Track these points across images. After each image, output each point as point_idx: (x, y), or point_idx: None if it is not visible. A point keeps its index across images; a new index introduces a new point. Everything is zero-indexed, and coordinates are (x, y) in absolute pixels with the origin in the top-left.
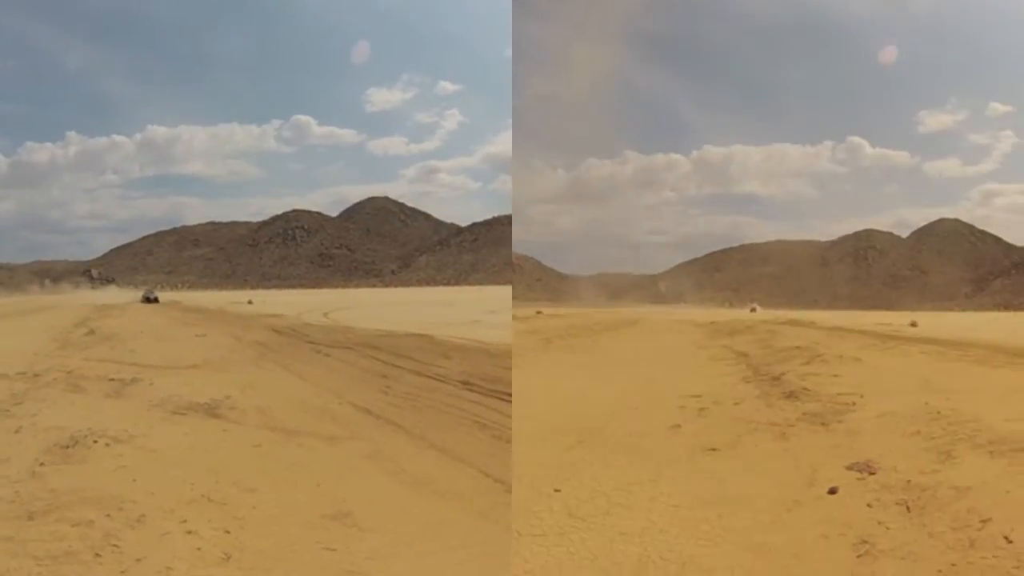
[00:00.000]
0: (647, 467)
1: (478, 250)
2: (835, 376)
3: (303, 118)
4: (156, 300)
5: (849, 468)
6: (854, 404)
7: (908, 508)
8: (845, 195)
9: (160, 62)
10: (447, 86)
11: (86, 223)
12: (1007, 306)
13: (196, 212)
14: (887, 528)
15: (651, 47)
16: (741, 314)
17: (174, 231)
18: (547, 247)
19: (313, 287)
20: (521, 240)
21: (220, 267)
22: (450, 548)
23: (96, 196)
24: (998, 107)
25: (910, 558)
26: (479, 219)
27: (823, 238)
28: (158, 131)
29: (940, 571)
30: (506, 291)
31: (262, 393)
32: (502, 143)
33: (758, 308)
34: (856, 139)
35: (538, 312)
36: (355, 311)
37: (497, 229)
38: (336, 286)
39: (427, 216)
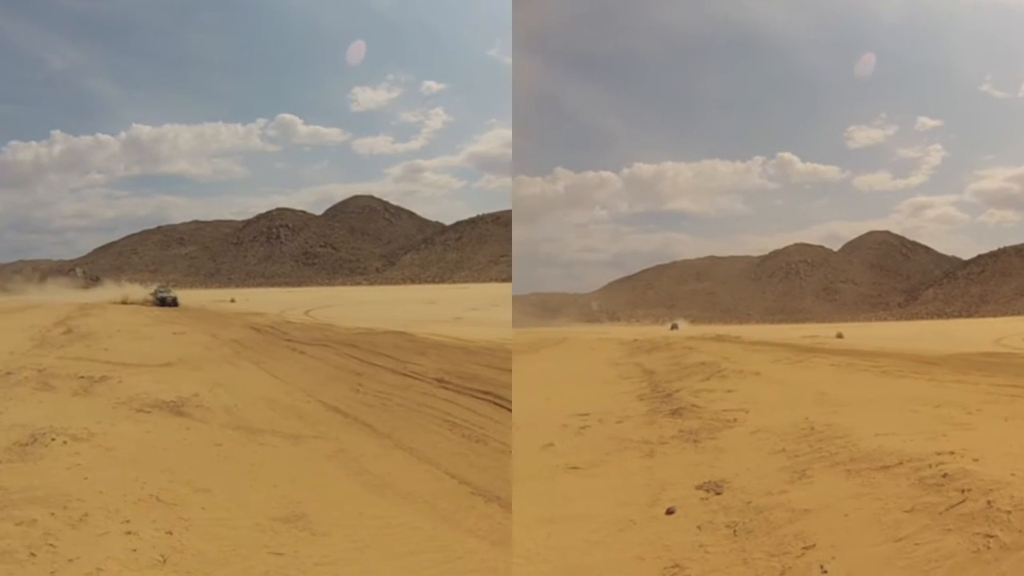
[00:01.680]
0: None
1: (462, 248)
2: (729, 392)
3: (288, 117)
4: (175, 302)
5: (698, 487)
6: (735, 420)
7: (735, 532)
8: (776, 210)
9: (145, 61)
10: (432, 85)
11: (72, 222)
12: (939, 314)
13: (181, 211)
14: (706, 552)
15: (579, 63)
16: (669, 331)
17: (159, 230)
18: None
19: (298, 285)
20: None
21: (205, 265)
22: (404, 554)
23: (81, 195)
24: (927, 121)
25: None
26: (463, 217)
27: (755, 253)
28: (143, 130)
29: None
30: (491, 288)
31: (231, 391)
32: (486, 142)
33: (679, 325)
34: (786, 155)
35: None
36: (337, 309)
37: (481, 227)
38: (321, 284)
39: (411, 214)
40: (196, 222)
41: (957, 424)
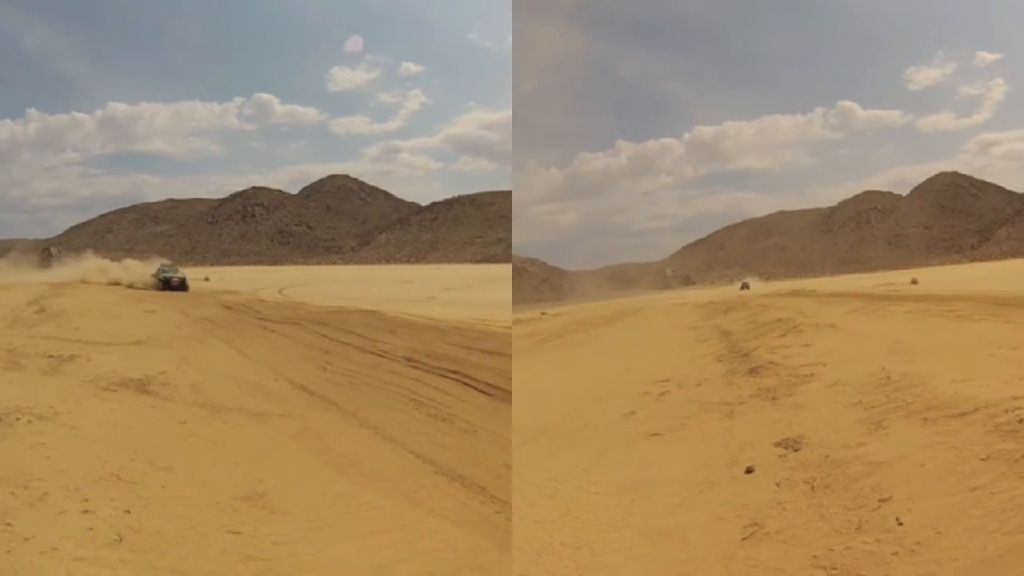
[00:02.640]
0: (586, 456)
1: (438, 229)
2: (805, 346)
3: (265, 96)
4: (183, 285)
5: (777, 445)
6: (812, 375)
7: (813, 487)
8: (841, 160)
9: (121, 39)
10: (410, 67)
11: (47, 201)
12: (1014, 254)
13: (157, 190)
14: (784, 509)
15: (630, 31)
16: (740, 291)
17: (134, 208)
18: (550, 247)
19: (273, 264)
20: (523, 243)
21: (180, 244)
22: (364, 533)
23: (57, 174)
24: (987, 56)
25: (791, 542)
26: (439, 199)
27: (824, 205)
28: (119, 108)
29: (815, 556)
30: (466, 269)
31: (199, 369)
32: (464, 124)
33: (750, 284)
34: (847, 103)
35: (543, 314)
36: (311, 288)
37: (457, 208)
38: (296, 263)
39: (387, 195)
40: (171, 201)
41: None
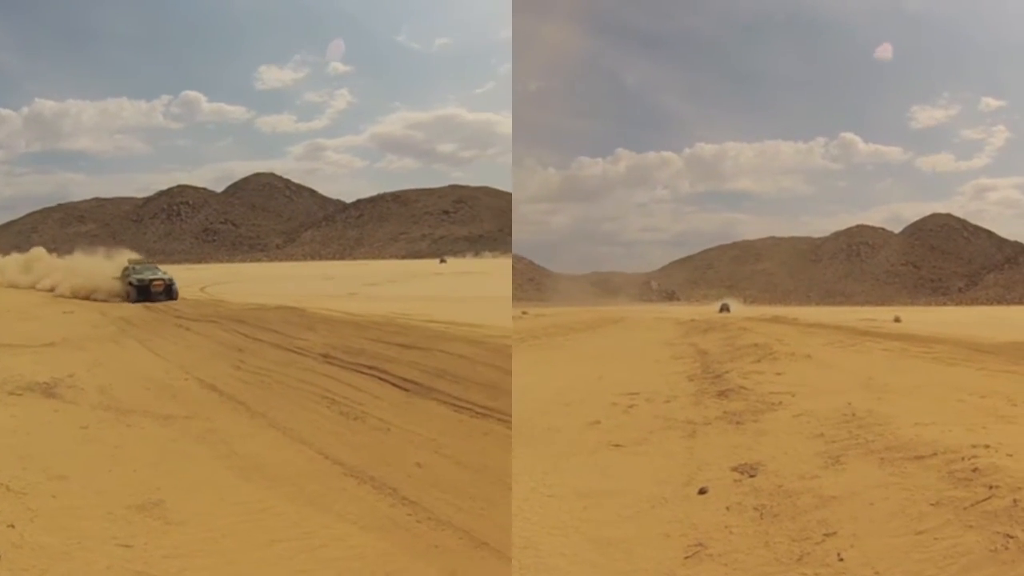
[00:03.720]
0: (546, 460)
1: (363, 226)
2: (778, 374)
3: (193, 94)
4: (168, 293)
5: (734, 469)
6: (780, 403)
7: (762, 514)
8: (838, 191)
9: (48, 34)
10: (338, 66)
11: None
12: (1000, 300)
13: (82, 188)
14: (730, 533)
15: (641, 43)
16: (718, 312)
17: (59, 207)
18: (540, 247)
19: (198, 262)
20: (514, 240)
21: (105, 243)
22: (265, 543)
23: None
24: (991, 102)
25: (732, 565)
26: (364, 196)
27: (816, 234)
28: (46, 105)
29: None
30: (390, 265)
31: (110, 370)
32: (390, 123)
33: (731, 307)
34: (849, 135)
35: (524, 313)
36: (234, 285)
37: (382, 205)
38: (221, 261)
39: (313, 192)
40: (97, 199)
41: (1000, 416)
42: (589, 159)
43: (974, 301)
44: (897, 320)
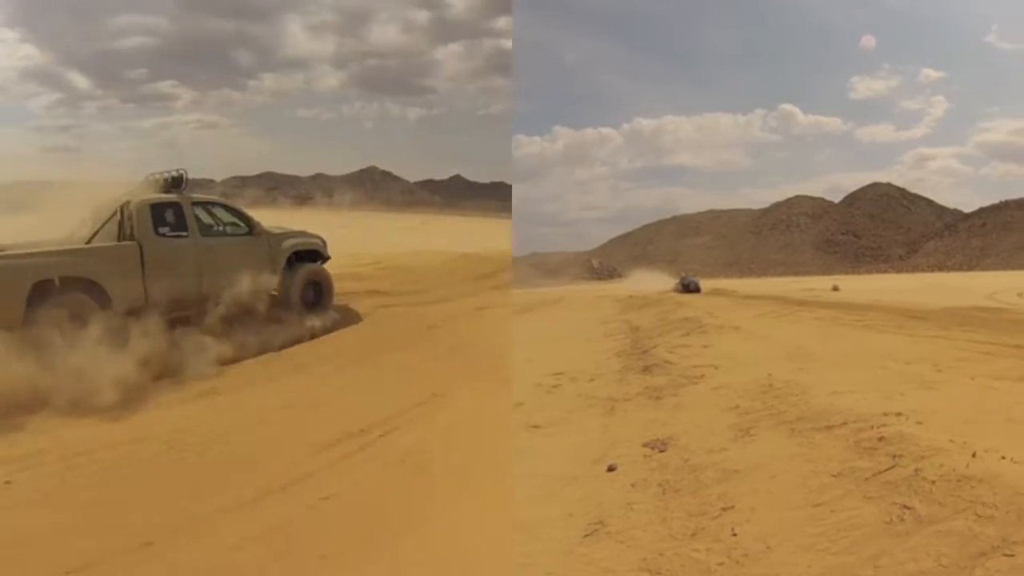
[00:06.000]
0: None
1: (987, 235)
2: (705, 347)
3: (788, 107)
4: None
5: (645, 445)
6: (702, 376)
7: (664, 490)
8: (778, 163)
9: (653, 56)
10: (930, 73)
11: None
12: (940, 267)
13: (687, 201)
14: (631, 510)
15: (577, 19)
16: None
17: (674, 219)
18: None
19: (822, 274)
20: None
21: (723, 254)
22: None
23: (588, 188)
24: (931, 73)
25: (628, 543)
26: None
27: (756, 206)
28: (643, 123)
29: (644, 559)
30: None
31: None
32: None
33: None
34: (788, 107)
35: None
36: None
37: (1006, 214)
38: (844, 272)
39: (930, 202)
40: (712, 211)
41: (922, 383)
42: (526, 138)
43: (915, 268)
44: (835, 289)
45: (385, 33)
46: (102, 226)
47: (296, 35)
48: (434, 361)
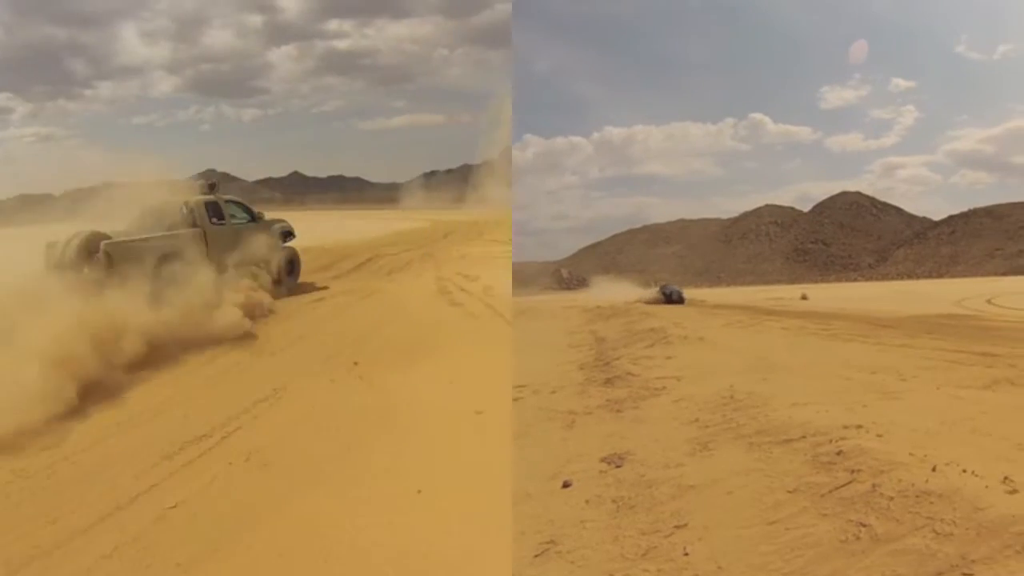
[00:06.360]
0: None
1: (956, 243)
2: (668, 358)
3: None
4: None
5: (602, 460)
6: (663, 388)
7: (618, 507)
8: (748, 172)
9: (624, 64)
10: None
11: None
12: (909, 275)
13: (657, 211)
14: (583, 528)
15: (546, 28)
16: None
17: (644, 228)
18: None
19: (791, 283)
20: None
21: (692, 263)
22: None
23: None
24: (901, 82)
25: (578, 563)
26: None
27: (726, 215)
28: (613, 132)
29: None
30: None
31: None
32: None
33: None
34: (758, 116)
35: None
36: None
37: (975, 222)
38: (814, 281)
39: (899, 210)
40: (682, 221)
41: (885, 393)
42: None
43: (884, 276)
44: (804, 297)
45: (219, 37)
46: (174, 220)
47: (130, 41)
48: (269, 356)
